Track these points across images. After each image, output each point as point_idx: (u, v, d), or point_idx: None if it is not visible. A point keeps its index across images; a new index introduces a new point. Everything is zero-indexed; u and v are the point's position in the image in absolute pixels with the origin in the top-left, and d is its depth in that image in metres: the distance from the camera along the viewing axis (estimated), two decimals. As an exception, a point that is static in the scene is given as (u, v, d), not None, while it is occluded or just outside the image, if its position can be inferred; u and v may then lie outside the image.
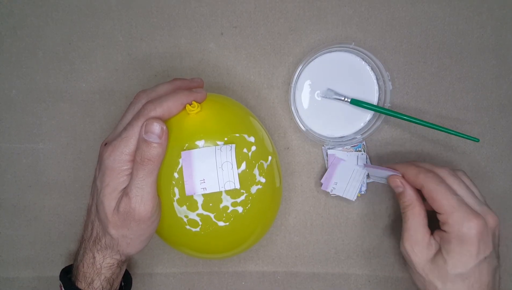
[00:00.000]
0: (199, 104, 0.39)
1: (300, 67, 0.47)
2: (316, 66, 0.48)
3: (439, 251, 0.40)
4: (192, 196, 0.38)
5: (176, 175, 0.38)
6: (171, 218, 0.39)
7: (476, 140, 0.46)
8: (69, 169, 0.50)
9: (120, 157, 0.37)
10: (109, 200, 0.38)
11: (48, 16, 0.50)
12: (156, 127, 0.36)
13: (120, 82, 0.50)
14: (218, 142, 0.38)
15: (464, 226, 0.38)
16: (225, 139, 0.38)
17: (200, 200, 0.38)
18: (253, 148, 0.39)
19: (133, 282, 0.47)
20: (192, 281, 0.51)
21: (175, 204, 0.38)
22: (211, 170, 0.37)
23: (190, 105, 0.38)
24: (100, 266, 0.40)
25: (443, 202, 0.40)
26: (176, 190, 0.38)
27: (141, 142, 0.36)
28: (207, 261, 0.51)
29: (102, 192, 0.38)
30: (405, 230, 0.42)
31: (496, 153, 0.50)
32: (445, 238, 0.40)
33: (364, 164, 0.49)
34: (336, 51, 0.48)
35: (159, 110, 0.37)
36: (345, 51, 0.48)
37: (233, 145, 0.38)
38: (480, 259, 0.39)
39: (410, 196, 0.43)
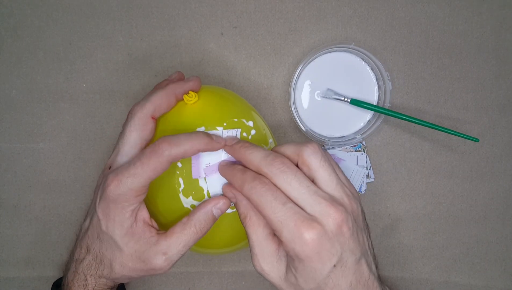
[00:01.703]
0: (196, 94, 0.39)
1: (300, 67, 0.47)
2: (316, 66, 0.48)
3: (288, 266, 0.34)
4: (197, 183, 0.38)
5: (179, 164, 0.38)
6: (178, 210, 0.39)
7: (476, 140, 0.46)
8: (69, 169, 0.50)
9: (126, 192, 0.35)
10: (121, 237, 0.36)
11: (48, 16, 0.50)
12: (227, 207, 0.37)
13: (121, 82, 0.50)
14: (218, 128, 0.38)
15: (297, 244, 0.32)
16: (224, 124, 0.38)
17: (205, 187, 0.38)
18: (253, 132, 0.40)
19: (133, 281, 0.47)
20: (192, 281, 0.51)
21: (180, 195, 0.38)
22: (217, 154, 0.38)
23: (187, 95, 0.39)
24: (92, 289, 0.39)
25: (271, 218, 0.33)
26: (180, 180, 0.38)
27: (208, 216, 0.36)
28: (207, 260, 0.51)
29: (110, 228, 0.36)
30: (250, 248, 0.36)
31: (496, 153, 0.50)
32: (288, 255, 0.34)
33: (205, 168, 0.38)
34: (336, 51, 0.48)
35: (174, 151, 0.34)
36: (345, 51, 0.48)
37: (239, 130, 0.38)
38: (329, 269, 0.33)
39: (244, 207, 0.35)
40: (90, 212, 0.40)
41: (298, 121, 0.48)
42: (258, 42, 0.50)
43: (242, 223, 0.36)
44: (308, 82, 0.48)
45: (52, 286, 0.44)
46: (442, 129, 0.46)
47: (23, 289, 0.51)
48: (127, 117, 0.38)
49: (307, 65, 0.48)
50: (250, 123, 0.40)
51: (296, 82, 0.48)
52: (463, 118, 0.50)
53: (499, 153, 0.50)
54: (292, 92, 0.48)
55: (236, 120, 0.39)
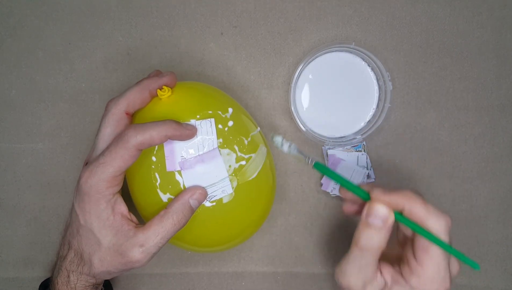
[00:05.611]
0: (169, 88, 0.39)
1: (300, 67, 0.47)
2: (316, 66, 0.48)
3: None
4: (173, 178, 0.38)
5: (154, 158, 0.38)
6: (157, 204, 0.38)
7: (476, 267, 0.36)
8: (69, 169, 0.50)
9: (97, 183, 0.35)
10: (99, 229, 0.36)
11: (48, 16, 0.50)
12: (204, 198, 0.38)
13: (120, 82, 0.50)
14: (191, 120, 0.38)
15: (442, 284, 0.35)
16: (198, 116, 0.38)
17: (181, 181, 0.38)
18: (230, 123, 0.39)
19: (133, 282, 0.47)
20: (192, 281, 0.51)
21: (158, 190, 0.38)
22: (192, 147, 0.38)
23: (160, 90, 0.39)
24: (74, 286, 0.39)
25: (435, 261, 0.34)
26: (156, 175, 0.38)
27: (185, 207, 0.37)
28: (207, 261, 0.51)
29: (88, 221, 0.36)
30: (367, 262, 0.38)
31: (496, 153, 0.50)
32: (400, 283, 0.36)
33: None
34: (336, 51, 0.48)
35: (140, 137, 0.35)
36: (345, 51, 0.48)
37: (212, 119, 0.38)
38: None
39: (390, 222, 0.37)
40: (72, 209, 0.40)
41: (298, 121, 0.48)
42: (258, 42, 0.50)
43: (368, 236, 0.38)
44: (308, 82, 0.48)
45: (40, 286, 0.44)
46: (439, 244, 0.35)
47: (23, 289, 0.51)
48: (103, 114, 0.38)
49: (307, 65, 0.48)
50: (227, 115, 0.40)
51: (296, 82, 0.48)
52: (464, 118, 0.50)
53: (499, 153, 0.50)
54: (292, 92, 0.48)
55: (210, 112, 0.39)
